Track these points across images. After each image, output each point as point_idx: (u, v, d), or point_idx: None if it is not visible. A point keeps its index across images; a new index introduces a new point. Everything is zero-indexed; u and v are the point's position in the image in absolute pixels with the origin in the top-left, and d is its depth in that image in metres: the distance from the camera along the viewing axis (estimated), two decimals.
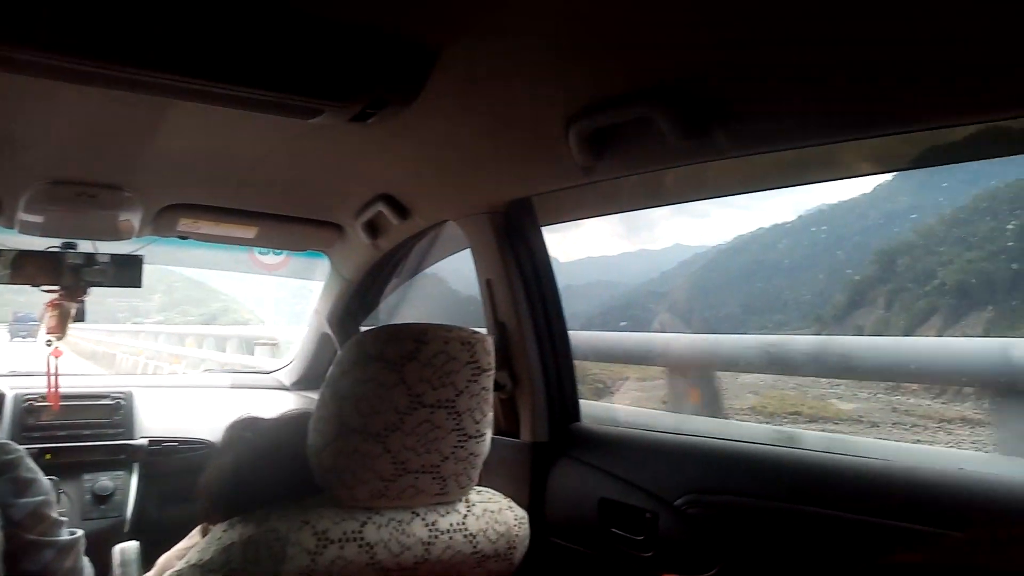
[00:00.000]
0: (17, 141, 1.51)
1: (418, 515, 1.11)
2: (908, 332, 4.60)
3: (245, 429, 1.21)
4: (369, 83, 1.14)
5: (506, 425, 1.68)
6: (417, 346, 1.06)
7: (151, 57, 1.01)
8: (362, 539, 1.04)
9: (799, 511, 1.17)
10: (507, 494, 1.27)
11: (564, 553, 1.53)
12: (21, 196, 1.77)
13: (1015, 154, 1.07)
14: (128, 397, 2.26)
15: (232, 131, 1.49)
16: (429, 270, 2.30)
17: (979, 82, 0.82)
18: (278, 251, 2.36)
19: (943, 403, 3.53)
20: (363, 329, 2.40)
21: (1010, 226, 3.89)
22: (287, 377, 2.71)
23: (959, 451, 2.76)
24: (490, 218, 1.60)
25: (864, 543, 1.08)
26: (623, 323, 6.31)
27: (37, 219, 1.86)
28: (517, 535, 1.20)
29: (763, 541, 1.21)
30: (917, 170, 1.50)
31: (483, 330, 1.65)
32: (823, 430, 3.83)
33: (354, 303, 2.37)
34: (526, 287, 1.61)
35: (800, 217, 5.15)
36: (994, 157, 1.12)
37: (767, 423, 4.03)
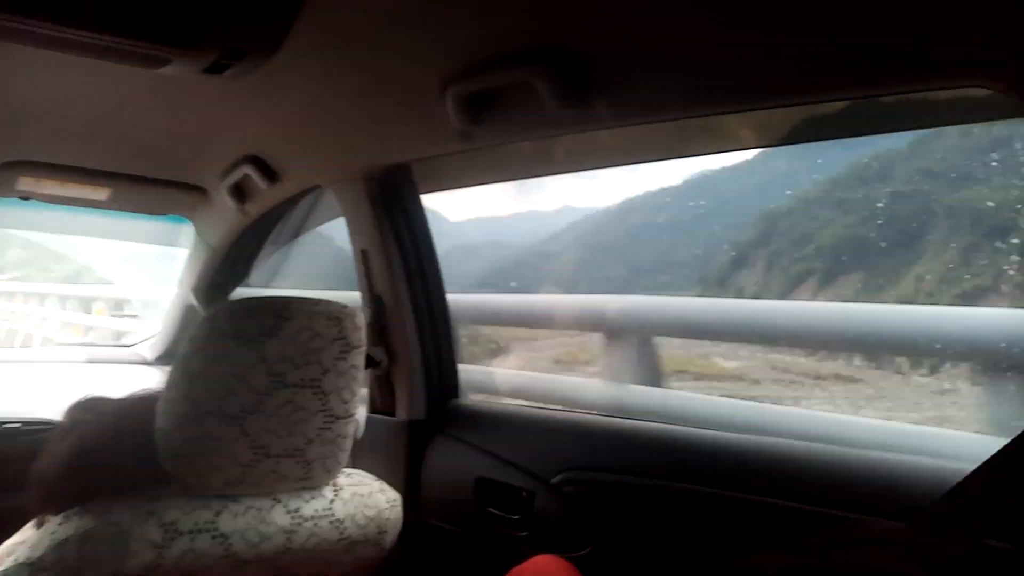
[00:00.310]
0: None
1: (280, 502, 1.06)
2: (786, 293, 4.82)
3: (87, 411, 1.10)
4: (223, 31, 1.04)
5: (382, 403, 1.63)
6: (278, 321, 0.99)
7: None
8: (216, 530, 0.98)
9: (674, 488, 1.18)
10: (382, 475, 1.23)
11: (440, 534, 1.50)
12: None
13: (889, 131, 1.09)
14: None
15: (77, 79, 1.34)
16: (311, 235, 2.20)
17: (851, 60, 0.82)
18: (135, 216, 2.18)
19: (817, 360, 3.72)
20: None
21: (878, 194, 4.11)
22: (150, 351, 2.54)
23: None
24: (365, 184, 1.52)
25: (738, 520, 1.10)
26: (514, 283, 6.33)
27: None
28: (388, 519, 1.16)
29: (638, 518, 1.21)
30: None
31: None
32: (710, 387, 3.99)
33: (222, 273, 2.23)
34: (404, 258, 1.55)
35: (685, 181, 5.27)
36: (868, 134, 1.14)
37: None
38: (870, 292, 4.37)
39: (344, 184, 1.56)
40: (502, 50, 1.04)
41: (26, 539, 1.02)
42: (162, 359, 2.52)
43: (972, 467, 0.83)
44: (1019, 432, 0.80)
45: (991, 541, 0.85)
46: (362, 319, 1.10)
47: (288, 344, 1.00)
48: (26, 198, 1.90)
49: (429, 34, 1.06)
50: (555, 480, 1.31)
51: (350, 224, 1.59)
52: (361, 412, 1.67)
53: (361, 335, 1.09)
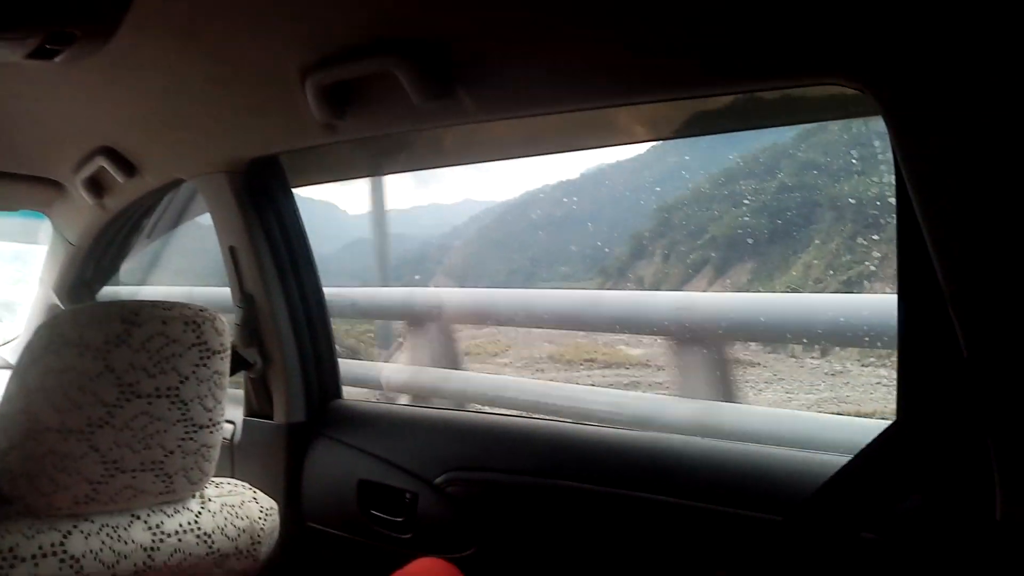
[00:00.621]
0: None
1: (139, 518, 1.00)
2: (685, 282, 4.96)
3: None
4: (44, 13, 0.96)
5: (259, 406, 1.56)
6: (127, 328, 0.93)
7: None
8: (64, 552, 0.91)
9: (557, 486, 1.17)
10: (262, 480, 1.19)
11: (323, 539, 1.45)
12: None
13: (776, 125, 1.11)
14: None
15: None
16: (191, 226, 2.10)
17: (715, 57, 0.83)
18: None
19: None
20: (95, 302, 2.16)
21: (764, 187, 4.28)
22: (11, 354, 2.38)
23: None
24: (229, 178, 1.44)
25: (620, 517, 1.10)
26: (417, 276, 6.29)
27: None
28: (263, 528, 1.11)
29: (522, 518, 1.20)
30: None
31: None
32: (618, 375, 4.06)
33: (86, 270, 2.09)
34: (275, 254, 1.48)
35: (583, 175, 5.35)
36: (747, 129, 1.17)
37: (567, 370, 4.23)
38: (762, 280, 4.54)
39: (207, 177, 1.48)
40: (361, 39, 1.01)
41: None
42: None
43: (844, 458, 0.86)
44: (885, 427, 0.84)
45: (866, 533, 0.88)
46: (224, 322, 1.04)
47: (139, 352, 0.94)
48: None
49: (285, 21, 1.02)
50: (438, 480, 1.29)
51: (216, 220, 1.51)
52: (238, 416, 1.60)
53: (223, 339, 1.03)
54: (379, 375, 3.56)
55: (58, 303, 2.14)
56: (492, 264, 5.96)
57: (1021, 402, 0.73)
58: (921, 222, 0.75)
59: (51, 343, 0.93)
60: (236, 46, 1.09)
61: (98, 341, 0.92)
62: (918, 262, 0.80)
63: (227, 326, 1.06)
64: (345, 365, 1.60)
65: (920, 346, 0.85)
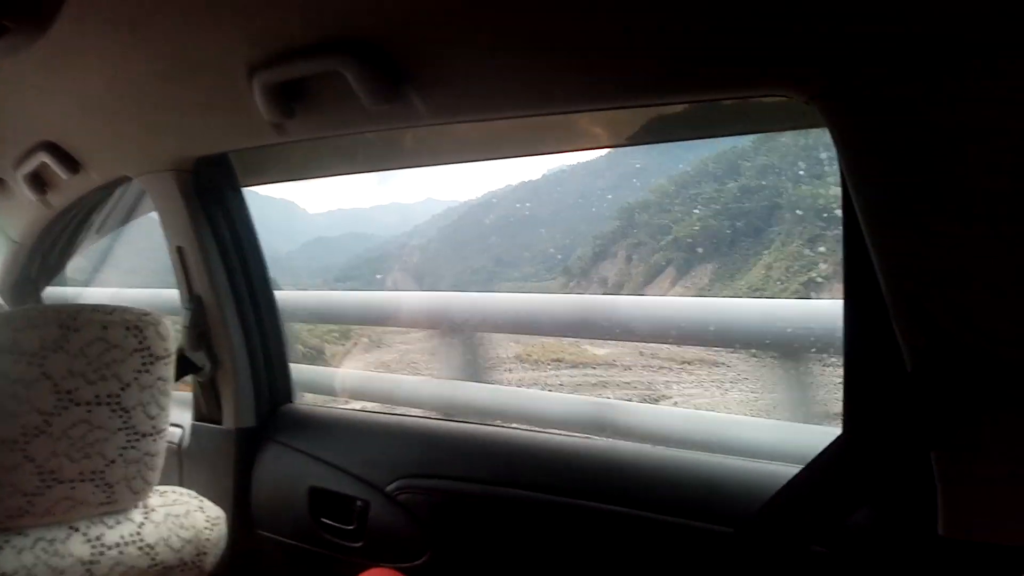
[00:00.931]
0: None
1: (78, 530, 0.97)
2: (648, 281, 5.00)
3: None
4: None
5: (208, 411, 1.53)
6: (64, 333, 0.90)
7: None
8: None
9: (509, 494, 1.16)
10: (211, 486, 1.18)
11: (273, 547, 1.42)
12: None
13: (732, 134, 1.12)
14: None
15: None
16: (143, 222, 2.04)
17: (668, 67, 0.83)
18: None
19: (680, 347, 3.87)
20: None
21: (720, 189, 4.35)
22: None
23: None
24: (176, 176, 1.41)
25: (573, 526, 1.09)
26: (378, 275, 6.25)
27: None
28: (209, 538, 1.08)
29: (474, 526, 1.19)
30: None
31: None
32: (585, 375, 4.08)
33: (31, 268, 2.03)
34: (224, 256, 1.45)
35: (544, 176, 5.37)
36: (711, 136, 1.17)
37: (535, 370, 4.23)
38: (723, 281, 4.59)
39: (154, 176, 1.44)
40: (310, 38, 0.99)
41: None
42: None
43: (795, 469, 0.87)
44: (832, 440, 0.84)
45: (816, 546, 0.89)
46: (168, 327, 1.02)
47: (77, 358, 0.91)
48: None
49: (231, 16, 0.99)
50: (390, 488, 1.27)
51: (163, 219, 1.47)
52: (186, 420, 1.57)
53: (167, 344, 1.01)
54: (333, 380, 3.54)
55: (1, 303, 2.09)
56: (454, 264, 5.95)
57: (963, 417, 0.75)
58: (865, 236, 0.76)
59: None
60: (181, 41, 1.06)
61: (34, 347, 0.89)
62: (863, 276, 0.81)
63: (171, 330, 1.03)
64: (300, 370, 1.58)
65: (865, 359, 0.86)
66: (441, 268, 5.94)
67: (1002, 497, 0.76)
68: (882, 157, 0.73)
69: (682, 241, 4.88)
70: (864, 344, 0.85)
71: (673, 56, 0.81)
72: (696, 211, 4.75)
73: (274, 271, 1.54)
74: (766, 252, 4.40)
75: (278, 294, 1.54)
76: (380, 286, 6.09)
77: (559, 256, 5.67)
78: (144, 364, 0.97)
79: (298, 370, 1.59)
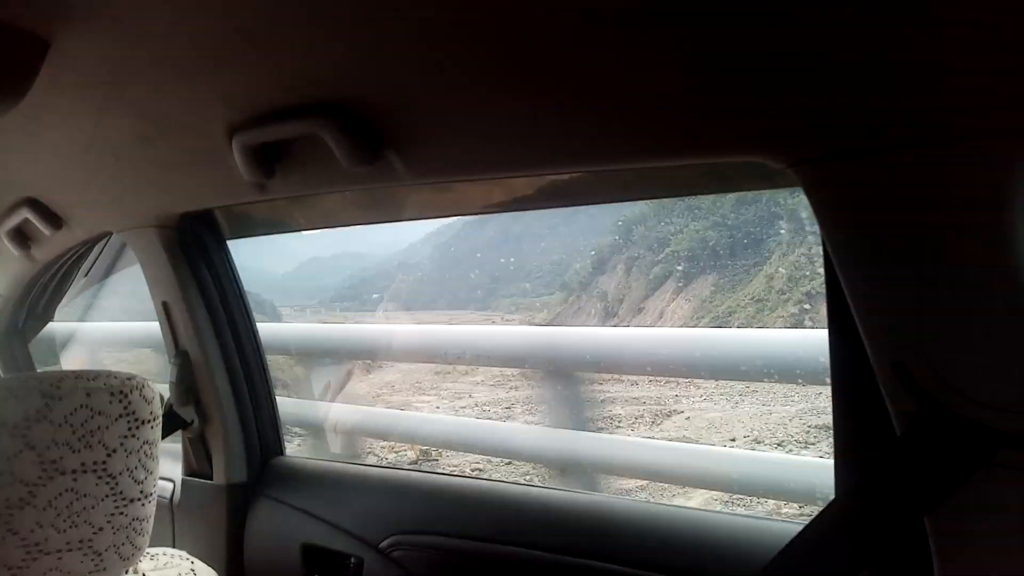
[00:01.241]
0: None
1: None
2: (648, 295, 5.01)
3: None
4: None
5: (198, 466, 1.53)
6: (47, 402, 0.89)
7: None
8: None
9: (504, 552, 1.16)
10: (203, 542, 1.17)
11: None
12: None
13: (706, 193, 1.13)
14: None
15: None
16: (126, 264, 2.05)
17: (641, 131, 0.84)
18: None
19: None
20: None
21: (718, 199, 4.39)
22: None
23: None
24: (160, 232, 1.41)
25: None
26: (375, 295, 6.26)
27: None
28: None
29: None
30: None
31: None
32: (592, 390, 4.13)
33: (18, 319, 2.05)
34: (210, 310, 1.46)
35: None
36: (684, 195, 1.18)
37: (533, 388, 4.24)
38: (724, 292, 4.61)
39: (137, 232, 1.45)
40: (288, 102, 0.99)
41: None
42: None
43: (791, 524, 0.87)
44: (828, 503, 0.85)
45: None
46: (152, 389, 1.02)
47: (62, 427, 0.90)
48: None
49: (210, 80, 1.00)
50: (384, 544, 1.27)
51: (147, 275, 1.48)
52: (178, 475, 1.57)
53: (153, 407, 1.01)
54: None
55: None
56: (450, 282, 5.96)
57: (953, 481, 0.75)
58: (849, 302, 0.77)
59: None
60: (160, 103, 1.07)
61: (16, 418, 0.89)
62: (850, 340, 0.81)
63: (156, 392, 1.03)
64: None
65: (855, 422, 0.86)
66: (437, 287, 5.96)
67: (996, 560, 0.76)
68: (861, 225, 0.73)
69: (681, 253, 4.90)
70: (854, 407, 0.86)
71: (651, 119, 0.82)
72: (695, 223, 4.77)
73: (270, 292, 1.55)
74: (767, 263, 4.42)
75: (272, 326, 1.54)
76: (376, 306, 6.09)
77: (557, 271, 5.68)
78: (130, 429, 0.97)
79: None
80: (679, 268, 4.87)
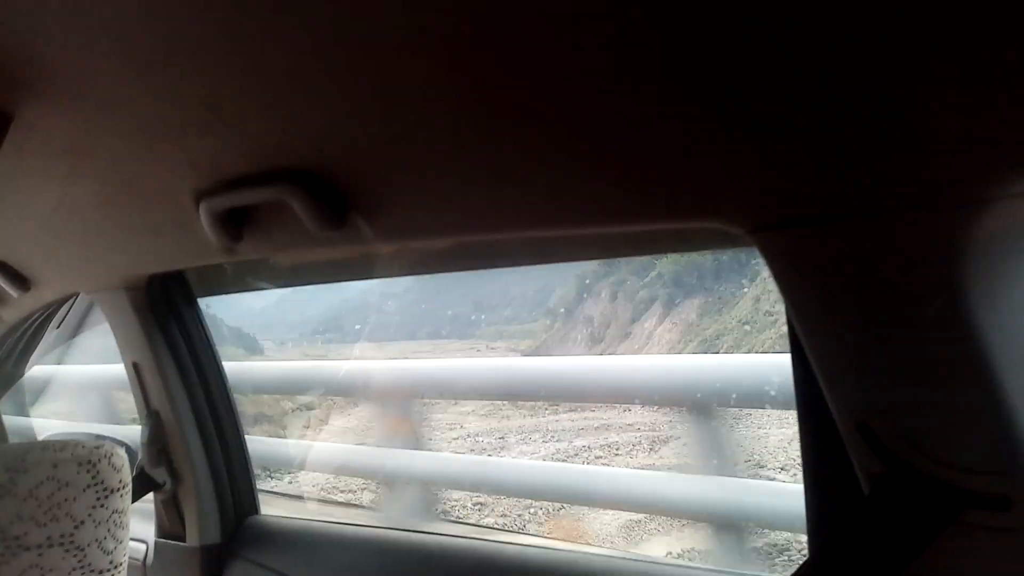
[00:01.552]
0: None
1: None
2: (634, 319, 5.03)
3: None
4: None
5: (171, 527, 1.52)
6: (11, 476, 0.91)
7: None
8: None
9: None
10: None
11: None
12: None
13: (663, 253, 1.17)
14: None
15: None
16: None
17: (627, 194, 0.86)
18: None
19: None
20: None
21: None
22: None
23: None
24: (129, 294, 1.42)
25: None
26: (356, 326, 6.23)
27: None
28: None
29: None
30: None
31: None
32: (586, 418, 4.10)
33: None
34: (181, 369, 1.46)
35: None
36: (642, 255, 1.21)
37: (533, 416, 4.23)
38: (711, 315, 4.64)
39: (105, 293, 1.46)
40: (253, 168, 1.00)
41: None
42: None
43: None
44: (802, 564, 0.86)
45: None
46: (122, 456, 1.02)
47: (27, 501, 0.91)
48: None
49: (173, 147, 1.01)
50: None
51: (117, 336, 1.48)
52: (151, 536, 1.57)
53: (123, 475, 1.01)
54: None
55: None
56: (431, 311, 5.95)
57: (923, 542, 0.77)
58: (812, 366, 0.78)
59: None
60: (126, 168, 1.09)
61: None
62: (815, 398, 0.83)
63: (125, 459, 1.04)
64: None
65: (824, 482, 0.88)
66: (418, 317, 5.95)
67: None
68: (821, 290, 0.75)
69: (666, 276, 4.92)
70: (823, 467, 0.87)
71: (611, 183, 0.83)
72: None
73: (251, 327, 1.56)
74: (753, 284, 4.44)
75: (249, 365, 1.56)
76: (358, 337, 6.07)
77: (540, 298, 5.68)
78: (98, 498, 0.97)
79: None
80: (665, 292, 4.90)
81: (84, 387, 3.76)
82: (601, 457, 3.85)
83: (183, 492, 1.48)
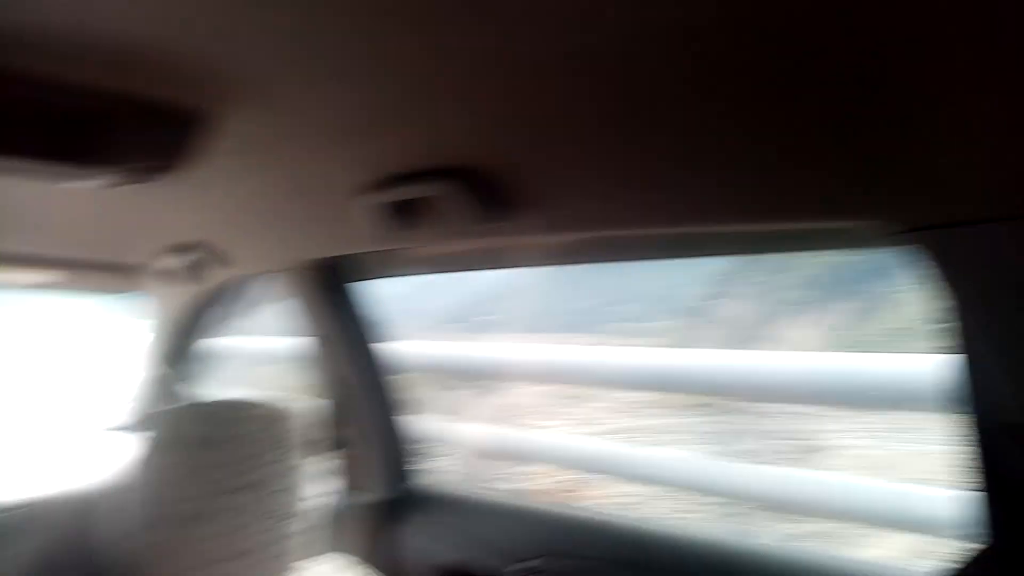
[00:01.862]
0: None
1: None
2: (770, 321, 4.89)
3: (44, 514, 1.19)
4: (136, 150, 1.18)
5: (345, 486, 1.71)
6: (214, 428, 1.07)
7: None
8: None
9: None
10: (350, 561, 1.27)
11: None
12: None
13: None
14: None
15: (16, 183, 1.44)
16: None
17: (757, 194, 0.92)
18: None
19: None
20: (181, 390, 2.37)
21: None
22: (115, 420, 2.64)
23: None
24: (306, 273, 1.64)
25: None
26: (485, 318, 6.35)
27: None
28: None
29: None
30: None
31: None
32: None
33: (182, 346, 2.34)
34: (352, 342, 1.66)
35: None
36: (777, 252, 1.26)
37: (668, 416, 4.18)
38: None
39: (288, 271, 1.68)
40: (415, 166, 1.14)
41: None
42: (128, 428, 2.61)
43: None
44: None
45: None
46: (305, 415, 1.17)
47: (224, 451, 1.07)
48: None
49: (340, 151, 1.18)
50: (526, 567, 1.38)
51: (295, 311, 1.71)
52: (326, 495, 1.75)
53: (305, 432, 1.16)
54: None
55: (158, 373, 2.39)
56: (561, 304, 5.96)
57: None
58: (970, 356, 0.82)
59: (152, 442, 1.08)
60: (304, 164, 1.26)
61: (189, 440, 1.07)
62: (977, 395, 0.84)
63: (307, 420, 1.18)
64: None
65: (1003, 465, 0.85)
66: (547, 310, 5.98)
67: None
68: (991, 293, 0.78)
69: (809, 275, 4.77)
70: (989, 468, 0.87)
71: (766, 181, 0.89)
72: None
73: (386, 316, 1.73)
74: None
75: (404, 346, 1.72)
76: (486, 329, 6.18)
77: (674, 295, 5.60)
78: (283, 452, 1.11)
79: None
80: (804, 293, 4.77)
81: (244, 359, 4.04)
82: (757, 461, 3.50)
83: (357, 453, 1.67)
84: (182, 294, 2.08)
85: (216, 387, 2.48)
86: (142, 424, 1.11)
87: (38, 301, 2.29)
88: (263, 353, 4.13)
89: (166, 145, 1.18)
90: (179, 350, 2.38)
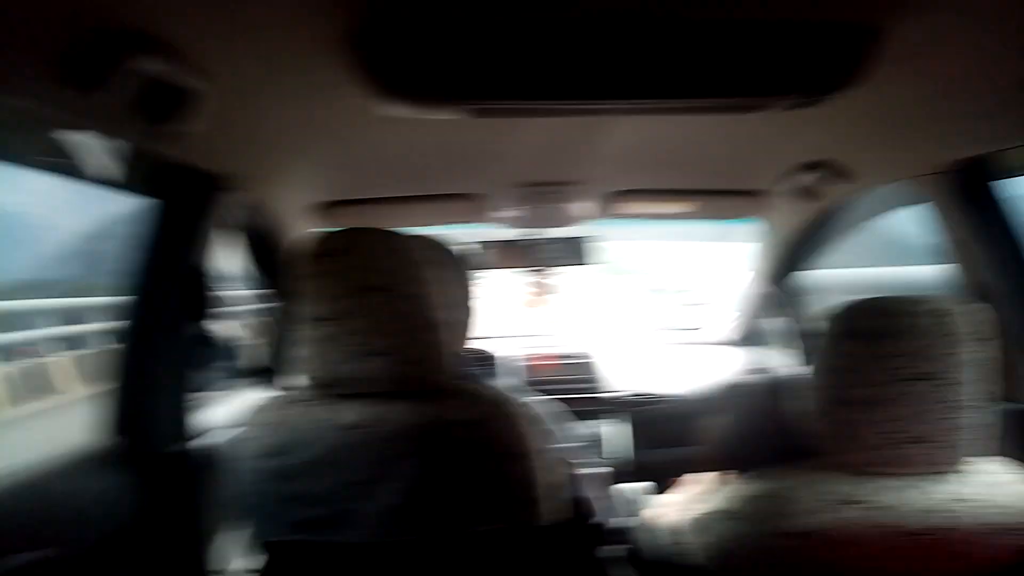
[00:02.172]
0: (500, 155, 1.94)
1: (911, 484, 1.18)
2: None
3: (736, 392, 1.48)
4: (807, 75, 1.26)
5: (1008, 392, 1.64)
6: (888, 321, 1.16)
7: (605, 92, 1.27)
8: (861, 503, 1.15)
9: None
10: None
11: None
12: (499, 196, 2.27)
13: None
14: (590, 356, 2.82)
15: (667, 124, 1.73)
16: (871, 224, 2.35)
17: None
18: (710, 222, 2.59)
19: None
20: (832, 302, 2.56)
21: None
22: (722, 334, 3.04)
23: None
24: (946, 178, 1.64)
25: None
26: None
27: (511, 214, 2.40)
28: None
29: None
30: None
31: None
32: None
33: (788, 261, 2.57)
34: (998, 247, 1.63)
35: None
36: None
37: None
38: None
39: (922, 179, 1.70)
40: None
41: (714, 491, 1.37)
42: (742, 341, 3.00)
43: None
44: None
45: None
46: (987, 312, 1.19)
47: (900, 342, 1.16)
48: (623, 218, 2.48)
49: (1004, 42, 1.17)
50: None
51: (935, 216, 1.72)
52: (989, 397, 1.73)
53: (973, 329, 1.17)
54: None
55: (765, 291, 2.70)
56: None
57: None
58: None
59: (832, 335, 1.22)
60: (956, 68, 1.28)
61: (865, 332, 1.18)
62: None
63: (989, 316, 1.20)
64: None
65: None
66: None
67: None
68: None
69: None
70: None
71: None
72: None
73: None
74: None
75: None
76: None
77: None
78: (953, 346, 1.15)
79: None
80: None
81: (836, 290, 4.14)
82: None
83: (1012, 360, 1.62)
84: (798, 213, 2.28)
85: (814, 308, 2.64)
86: (819, 319, 1.27)
87: (673, 230, 2.67)
88: (854, 284, 4.16)
89: (823, 70, 1.26)
90: (787, 269, 2.62)
